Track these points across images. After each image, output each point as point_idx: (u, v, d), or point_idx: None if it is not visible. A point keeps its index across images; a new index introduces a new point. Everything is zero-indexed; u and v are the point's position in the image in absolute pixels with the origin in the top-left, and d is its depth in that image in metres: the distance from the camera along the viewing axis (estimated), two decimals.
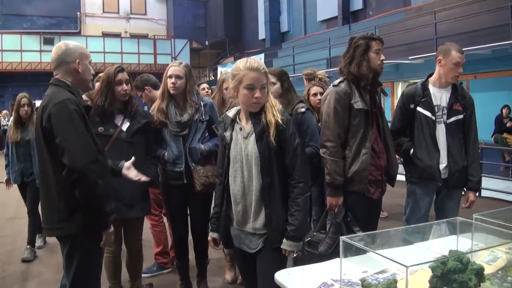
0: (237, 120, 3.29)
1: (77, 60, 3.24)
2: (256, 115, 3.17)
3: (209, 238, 3.52)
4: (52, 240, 3.32)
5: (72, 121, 3.03)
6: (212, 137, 4.63)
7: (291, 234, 3.11)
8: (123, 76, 4.35)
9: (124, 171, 3.82)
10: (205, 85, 6.95)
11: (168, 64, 4.71)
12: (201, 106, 4.60)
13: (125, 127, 4.37)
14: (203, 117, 4.58)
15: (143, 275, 5.53)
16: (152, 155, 4.55)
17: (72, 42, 3.36)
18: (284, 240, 3.12)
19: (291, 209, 3.13)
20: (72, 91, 3.19)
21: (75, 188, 3.04)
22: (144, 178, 3.85)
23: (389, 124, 4.45)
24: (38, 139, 3.18)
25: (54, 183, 3.10)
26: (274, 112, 3.13)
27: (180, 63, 4.61)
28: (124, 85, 4.34)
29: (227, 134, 3.28)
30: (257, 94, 3.08)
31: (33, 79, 28.24)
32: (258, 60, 3.23)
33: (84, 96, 4.25)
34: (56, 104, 3.03)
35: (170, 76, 4.48)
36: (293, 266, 3.28)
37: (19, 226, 7.76)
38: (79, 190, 3.04)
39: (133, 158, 3.72)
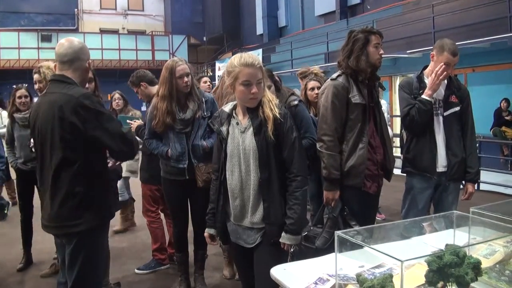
0: (234, 114, 3.28)
1: (89, 60, 3.29)
2: (254, 109, 3.17)
3: (205, 234, 3.51)
4: (52, 237, 3.36)
5: (98, 107, 3.11)
6: (212, 133, 4.61)
7: (290, 228, 3.11)
8: None
9: None
10: (206, 79, 6.95)
11: (166, 61, 4.65)
12: (203, 102, 4.61)
13: None
14: (205, 114, 4.59)
15: (140, 271, 5.58)
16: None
17: (78, 40, 3.37)
18: (283, 234, 3.12)
19: (290, 203, 3.13)
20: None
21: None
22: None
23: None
24: (48, 138, 3.12)
25: (68, 181, 3.09)
26: (272, 106, 3.13)
27: (181, 60, 4.59)
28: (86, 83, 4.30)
29: (224, 129, 3.28)
30: (254, 89, 3.08)
31: (31, 76, 27.81)
32: (253, 55, 3.21)
33: None
34: (79, 97, 3.05)
35: (182, 76, 4.45)
36: (290, 261, 3.27)
37: (17, 224, 7.74)
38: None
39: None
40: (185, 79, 4.45)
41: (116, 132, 3.14)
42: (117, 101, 7.27)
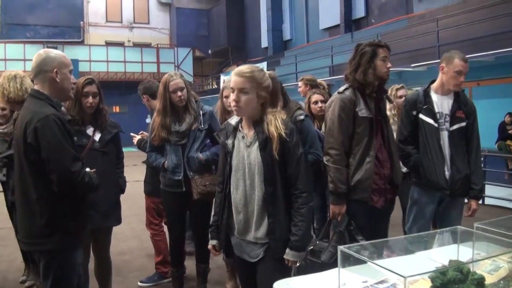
0: (240, 128, 3.27)
1: (55, 69, 3.21)
2: (259, 124, 3.14)
3: (209, 246, 3.50)
4: None
5: (57, 135, 3.03)
6: (213, 145, 4.67)
7: (294, 244, 3.08)
8: (90, 88, 4.33)
9: None
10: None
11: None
12: (200, 115, 4.63)
13: (97, 137, 4.40)
14: (202, 126, 4.62)
15: (143, 284, 5.57)
16: (121, 164, 4.67)
17: (54, 51, 3.35)
18: (288, 250, 3.10)
19: (295, 219, 3.10)
20: (53, 104, 3.17)
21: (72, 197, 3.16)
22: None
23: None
24: (19, 154, 3.15)
25: (35, 200, 3.10)
26: (278, 124, 3.10)
27: (176, 74, 4.62)
28: (90, 98, 4.32)
29: (229, 142, 3.26)
30: (233, 97, 3.10)
31: None
32: (250, 65, 3.24)
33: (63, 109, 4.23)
34: (40, 120, 3.01)
35: (175, 91, 4.49)
36: (295, 275, 3.26)
37: None
38: (75, 197, 3.19)
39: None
40: (179, 93, 4.49)
41: (60, 165, 3.05)
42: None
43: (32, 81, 3.35)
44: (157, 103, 4.68)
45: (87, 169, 3.36)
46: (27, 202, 3.15)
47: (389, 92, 6.00)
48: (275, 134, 3.05)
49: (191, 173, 4.56)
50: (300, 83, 6.66)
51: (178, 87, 4.49)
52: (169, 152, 4.63)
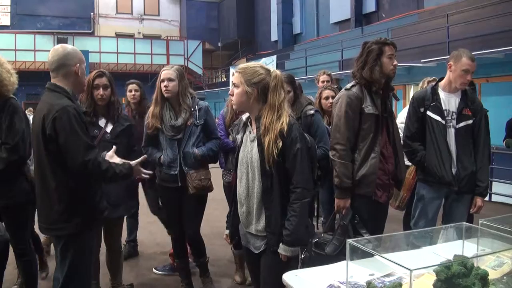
0: (249, 123, 3.34)
1: (77, 64, 3.35)
2: (259, 120, 3.19)
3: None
4: None
5: (73, 124, 3.14)
6: (208, 140, 4.73)
7: (285, 239, 3.12)
8: (100, 81, 4.45)
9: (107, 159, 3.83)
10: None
11: (180, 66, 4.75)
12: (196, 110, 4.67)
13: (108, 129, 4.51)
14: (198, 121, 4.65)
15: (157, 271, 5.65)
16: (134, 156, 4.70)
17: (69, 46, 3.48)
18: (280, 244, 3.14)
19: (288, 214, 3.13)
20: (69, 96, 3.29)
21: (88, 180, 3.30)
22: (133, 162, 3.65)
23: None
24: (38, 146, 3.28)
25: (54, 187, 3.24)
26: (273, 119, 3.12)
27: (172, 67, 4.68)
28: (101, 90, 4.43)
29: (239, 136, 3.37)
30: (230, 91, 3.23)
31: (46, 78, 27.76)
32: (251, 63, 3.33)
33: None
34: (58, 111, 3.13)
35: (163, 80, 4.54)
36: (300, 267, 3.31)
37: None
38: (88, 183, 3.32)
39: (114, 147, 3.66)
40: (164, 83, 4.53)
41: (75, 153, 3.15)
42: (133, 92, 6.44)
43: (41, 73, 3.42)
44: None
45: (116, 160, 3.46)
46: (46, 191, 3.29)
47: (421, 84, 6.02)
48: (270, 129, 3.09)
49: (186, 168, 4.60)
50: (328, 77, 6.76)
51: (166, 77, 4.54)
52: (165, 146, 4.66)
